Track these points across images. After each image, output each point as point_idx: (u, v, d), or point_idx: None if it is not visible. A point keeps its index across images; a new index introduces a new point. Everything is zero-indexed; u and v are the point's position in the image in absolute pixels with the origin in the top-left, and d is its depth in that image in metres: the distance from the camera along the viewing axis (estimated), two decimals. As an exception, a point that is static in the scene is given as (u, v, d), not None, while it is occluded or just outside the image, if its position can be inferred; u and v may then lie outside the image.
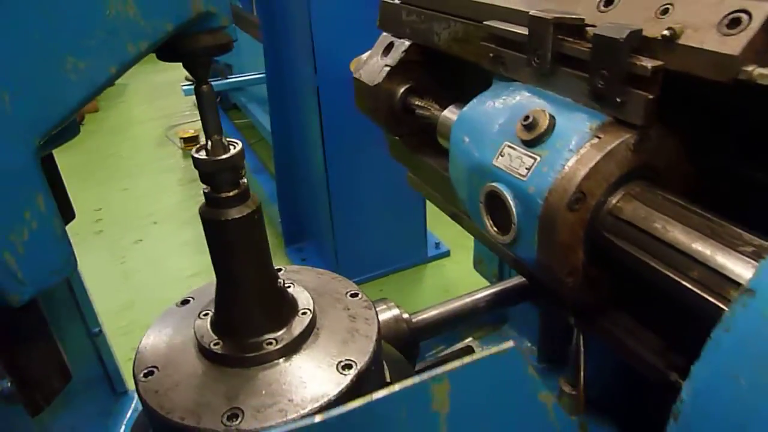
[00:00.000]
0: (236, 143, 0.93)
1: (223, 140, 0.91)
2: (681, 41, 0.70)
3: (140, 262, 3.76)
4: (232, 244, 0.92)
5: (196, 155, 0.90)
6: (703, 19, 0.69)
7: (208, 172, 0.90)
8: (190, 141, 5.25)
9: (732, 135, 0.81)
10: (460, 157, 0.96)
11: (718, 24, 0.68)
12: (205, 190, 0.92)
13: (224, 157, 0.89)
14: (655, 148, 0.78)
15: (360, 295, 1.08)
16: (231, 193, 0.91)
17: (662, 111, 0.75)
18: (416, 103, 1.24)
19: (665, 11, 0.73)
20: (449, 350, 1.90)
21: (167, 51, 0.82)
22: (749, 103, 0.67)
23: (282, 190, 3.70)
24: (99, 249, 3.93)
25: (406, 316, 1.33)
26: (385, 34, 1.33)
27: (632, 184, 0.78)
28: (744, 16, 0.66)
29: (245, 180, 0.94)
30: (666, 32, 0.70)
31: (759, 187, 0.81)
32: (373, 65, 1.31)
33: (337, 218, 3.25)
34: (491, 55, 0.96)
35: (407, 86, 1.27)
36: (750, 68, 0.64)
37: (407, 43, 1.26)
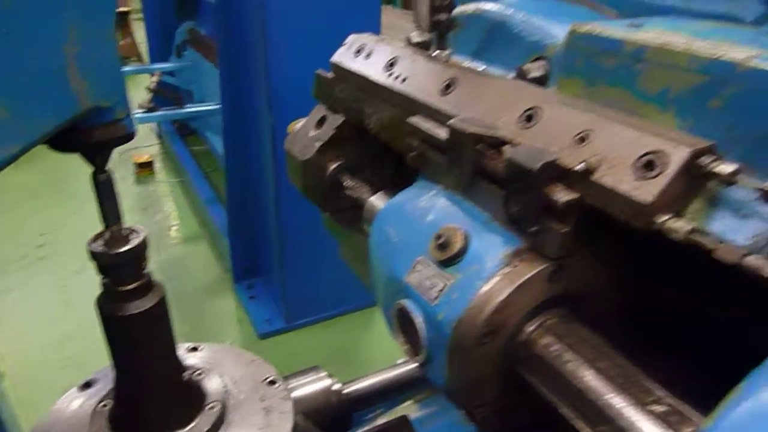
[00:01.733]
0: (139, 231, 0.86)
1: (123, 231, 0.84)
2: (596, 177, 0.66)
3: (83, 291, 3.59)
4: (132, 340, 0.85)
5: (92, 247, 0.83)
6: (619, 155, 0.65)
7: (106, 265, 0.83)
8: (144, 167, 5.10)
9: (657, 262, 0.77)
10: (377, 261, 0.90)
11: (633, 164, 0.64)
12: (104, 281, 0.85)
13: (124, 249, 0.82)
14: (573, 277, 0.73)
15: (278, 384, 1.02)
16: (131, 287, 0.84)
17: (584, 236, 0.71)
18: (346, 183, 1.19)
19: (583, 139, 0.69)
20: (383, 419, 1.83)
21: (61, 142, 0.75)
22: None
23: (234, 223, 3.61)
24: (41, 276, 3.76)
25: (336, 387, 1.26)
26: (319, 105, 1.28)
27: (549, 313, 0.74)
28: (659, 159, 0.62)
29: (148, 270, 0.87)
30: (581, 166, 0.66)
31: (684, 309, 0.77)
32: (305, 138, 1.25)
33: (288, 255, 3.16)
34: (415, 153, 0.91)
35: (339, 163, 1.22)
36: (663, 218, 0.60)
37: (340, 118, 1.20)
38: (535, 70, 0.94)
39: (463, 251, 0.75)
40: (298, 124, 1.34)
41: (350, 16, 2.92)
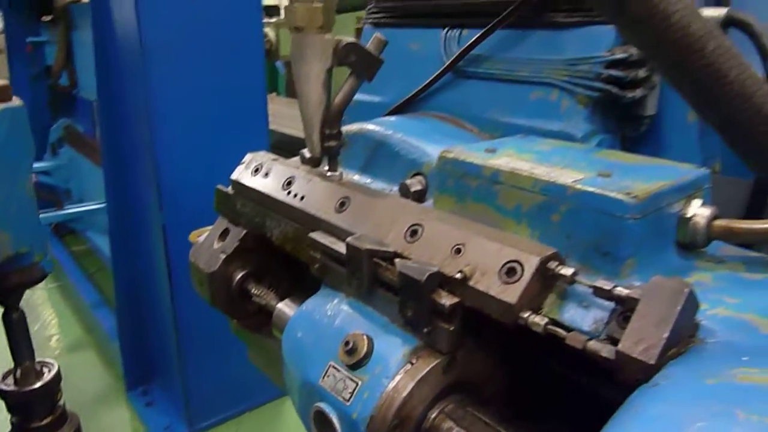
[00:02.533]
0: (51, 365, 0.88)
1: (36, 366, 0.86)
2: (471, 283, 0.80)
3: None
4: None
5: (2, 386, 0.84)
6: (487, 264, 0.80)
7: (19, 403, 0.84)
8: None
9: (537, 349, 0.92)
10: (291, 366, 0.98)
11: (499, 271, 0.79)
12: (13, 421, 0.85)
13: (38, 385, 0.84)
14: (464, 366, 0.86)
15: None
16: (46, 421, 0.85)
17: (468, 331, 0.84)
18: (253, 291, 1.26)
19: (459, 251, 0.84)
20: None
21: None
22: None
23: (124, 327, 3.46)
24: None
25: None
26: (221, 218, 1.36)
27: (447, 400, 0.85)
28: (518, 266, 0.77)
29: (62, 401, 0.88)
30: (458, 275, 0.80)
31: (558, 380, 0.91)
32: (209, 251, 1.32)
33: (188, 355, 3.08)
34: (318, 265, 1.02)
35: (244, 272, 1.29)
36: (526, 314, 0.75)
37: (243, 230, 1.29)
38: (415, 185, 1.10)
39: (369, 354, 0.85)
40: (202, 235, 1.40)
41: (237, 114, 3.05)
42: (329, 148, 1.11)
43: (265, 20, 5.77)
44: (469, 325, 0.83)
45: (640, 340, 0.63)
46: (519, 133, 1.14)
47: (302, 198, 1.12)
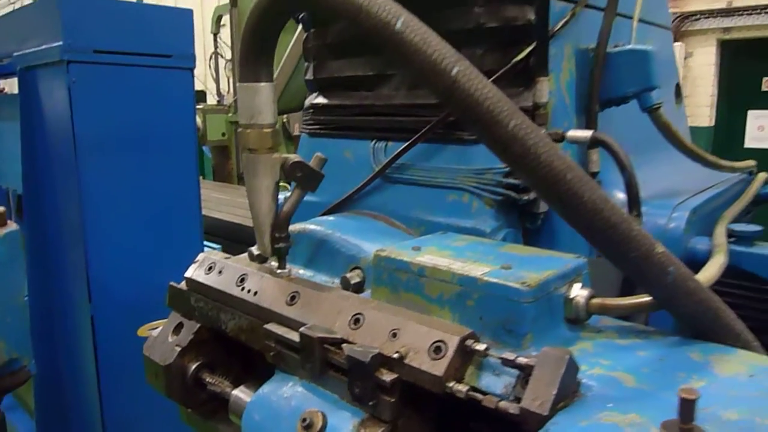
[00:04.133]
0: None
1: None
2: (407, 361, 0.98)
3: None
4: None
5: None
6: (419, 345, 0.98)
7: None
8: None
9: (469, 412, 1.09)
10: (253, 449, 1.10)
11: (428, 350, 0.97)
12: None
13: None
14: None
15: None
16: None
17: (410, 402, 1.00)
18: (207, 380, 1.37)
19: (395, 335, 1.02)
20: None
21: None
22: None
23: None
24: None
25: None
26: (174, 313, 1.48)
27: (391, 463, 1.00)
28: (443, 345, 0.96)
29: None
30: (396, 355, 0.98)
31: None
32: (164, 344, 1.42)
33: (119, 463, 2.98)
34: (273, 353, 1.17)
35: (198, 363, 1.41)
36: (451, 384, 0.93)
37: (197, 324, 1.41)
38: (355, 278, 1.28)
39: (323, 428, 1.00)
40: (155, 330, 1.51)
41: (170, 205, 3.13)
42: (278, 249, 1.28)
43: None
44: (407, 397, 1.00)
45: (536, 398, 0.83)
46: (439, 230, 1.36)
47: (255, 293, 1.27)
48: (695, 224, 1.45)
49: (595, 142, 1.28)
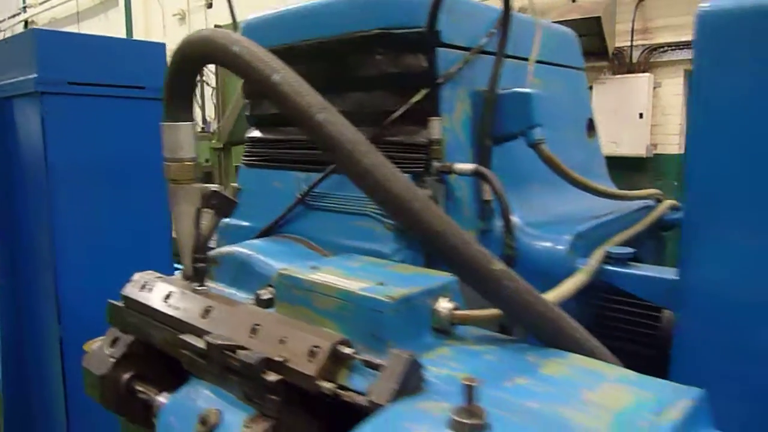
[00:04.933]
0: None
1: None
2: (289, 364, 1.13)
3: None
4: None
5: None
6: (300, 350, 1.14)
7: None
8: None
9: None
10: (164, 444, 1.25)
11: (307, 354, 1.13)
12: None
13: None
14: (290, 427, 1.17)
15: None
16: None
17: (298, 401, 1.15)
18: (138, 388, 1.52)
19: (282, 341, 1.18)
20: None
21: None
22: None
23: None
24: None
25: None
26: (113, 328, 1.63)
27: (277, 456, 1.15)
28: (318, 350, 1.12)
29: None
30: (280, 358, 1.13)
31: None
32: (101, 356, 1.57)
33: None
34: (186, 360, 1.32)
35: (131, 373, 1.55)
36: (323, 383, 1.09)
37: (131, 338, 1.56)
38: (266, 294, 1.44)
39: (217, 424, 1.15)
40: (95, 344, 1.66)
41: (139, 228, 3.28)
42: (197, 269, 1.44)
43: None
44: (294, 396, 1.15)
45: (381, 392, 0.99)
46: (350, 252, 1.53)
47: (177, 308, 1.43)
48: (581, 248, 1.62)
49: (475, 174, 1.46)
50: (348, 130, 1.04)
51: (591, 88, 7.58)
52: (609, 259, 1.56)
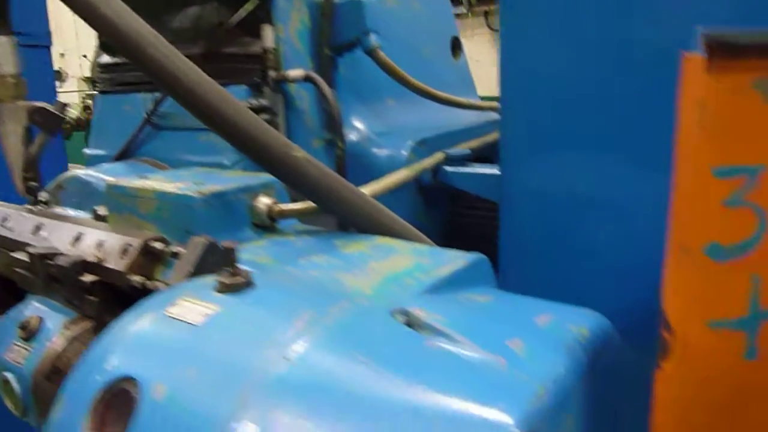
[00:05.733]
0: None
1: None
2: (104, 263, 1.15)
3: None
4: None
5: None
6: (114, 250, 1.16)
7: None
8: None
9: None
10: (-6, 357, 1.26)
11: (119, 252, 1.15)
12: None
13: None
14: (115, 328, 1.20)
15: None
16: None
17: (119, 300, 1.18)
18: (-15, 314, 1.51)
19: (100, 245, 1.19)
20: None
21: None
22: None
23: None
24: None
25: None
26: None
27: (103, 354, 1.18)
28: (130, 248, 1.14)
29: None
30: (95, 259, 1.15)
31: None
32: (-55, 287, 1.54)
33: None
34: (18, 278, 1.32)
35: (-21, 301, 1.53)
36: (134, 277, 1.11)
37: (-24, 266, 1.54)
38: (101, 210, 1.44)
39: (37, 329, 1.16)
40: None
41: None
42: (29, 188, 1.43)
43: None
44: (115, 296, 1.17)
45: (177, 275, 1.02)
46: (194, 167, 1.54)
47: (11, 230, 1.42)
48: (424, 154, 1.68)
49: (306, 79, 1.48)
50: (137, 23, 1.04)
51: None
52: (446, 160, 1.63)
